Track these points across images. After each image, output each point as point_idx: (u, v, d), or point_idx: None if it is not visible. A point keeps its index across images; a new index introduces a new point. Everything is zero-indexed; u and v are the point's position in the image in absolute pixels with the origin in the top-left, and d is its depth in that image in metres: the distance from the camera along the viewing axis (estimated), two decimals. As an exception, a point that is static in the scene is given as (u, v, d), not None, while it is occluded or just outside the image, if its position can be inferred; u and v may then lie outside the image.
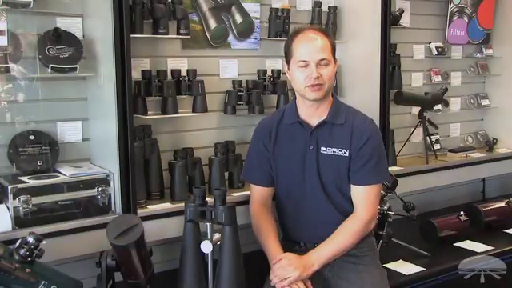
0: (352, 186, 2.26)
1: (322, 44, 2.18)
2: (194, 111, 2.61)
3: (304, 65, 2.18)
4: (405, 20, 3.41)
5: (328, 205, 2.26)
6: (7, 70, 2.15)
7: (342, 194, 2.27)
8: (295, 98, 2.34)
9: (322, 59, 2.16)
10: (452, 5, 3.68)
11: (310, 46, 2.18)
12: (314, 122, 2.28)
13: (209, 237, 2.08)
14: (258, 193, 2.38)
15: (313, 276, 2.17)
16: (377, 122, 2.90)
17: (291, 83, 2.31)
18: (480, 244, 2.97)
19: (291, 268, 2.11)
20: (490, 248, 2.93)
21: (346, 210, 2.27)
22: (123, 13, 2.17)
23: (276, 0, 2.95)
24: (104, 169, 2.32)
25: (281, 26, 2.88)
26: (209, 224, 2.09)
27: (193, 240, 2.10)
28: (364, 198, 2.24)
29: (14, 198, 2.08)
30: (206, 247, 2.03)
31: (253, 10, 2.86)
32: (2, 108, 2.24)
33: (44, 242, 1.76)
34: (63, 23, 2.33)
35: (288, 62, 2.26)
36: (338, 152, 2.24)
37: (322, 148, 2.26)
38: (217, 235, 2.09)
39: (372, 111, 2.88)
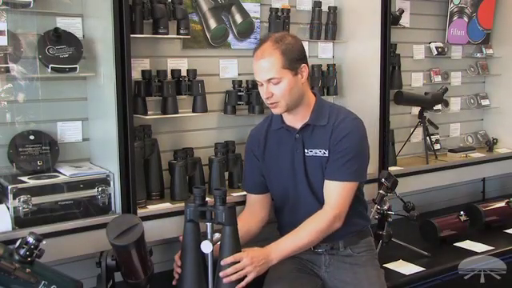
0: (325, 180, 2.22)
1: (268, 63, 2.11)
2: (193, 111, 2.61)
3: (259, 84, 2.18)
4: (405, 20, 3.41)
5: (319, 206, 2.24)
6: (7, 70, 2.15)
7: None
8: None
9: (270, 79, 2.13)
10: (452, 5, 3.68)
11: (257, 66, 2.16)
12: (298, 125, 2.28)
13: (209, 237, 2.08)
14: (248, 199, 2.44)
15: (309, 277, 2.17)
16: (377, 122, 2.90)
17: None
18: (480, 244, 2.97)
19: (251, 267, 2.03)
20: (490, 248, 2.92)
21: None
22: (123, 13, 2.16)
23: (276, 0, 2.95)
24: (104, 169, 2.32)
25: (281, 26, 2.88)
26: (209, 224, 2.09)
27: (193, 240, 2.10)
28: (333, 194, 2.19)
29: (14, 198, 2.08)
30: (206, 247, 2.04)
31: (253, 9, 2.86)
32: (1, 108, 2.23)
33: (44, 242, 1.76)
34: (63, 23, 2.33)
35: None
36: (319, 153, 2.24)
37: (306, 150, 2.26)
38: (217, 235, 2.09)
39: (372, 111, 2.89)
